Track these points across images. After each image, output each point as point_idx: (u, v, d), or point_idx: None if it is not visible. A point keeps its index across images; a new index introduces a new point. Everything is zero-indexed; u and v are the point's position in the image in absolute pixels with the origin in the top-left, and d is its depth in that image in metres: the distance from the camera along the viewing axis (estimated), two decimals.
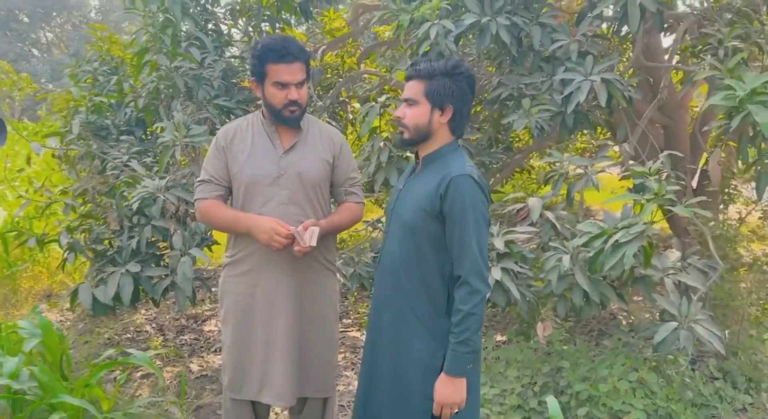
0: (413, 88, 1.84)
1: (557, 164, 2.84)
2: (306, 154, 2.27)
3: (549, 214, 2.83)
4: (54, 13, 38.92)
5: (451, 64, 1.81)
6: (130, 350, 2.68)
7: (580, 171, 2.83)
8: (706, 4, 3.57)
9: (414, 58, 3.34)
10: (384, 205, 4.49)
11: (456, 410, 1.80)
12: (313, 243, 2.09)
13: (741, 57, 2.65)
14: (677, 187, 2.41)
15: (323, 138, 2.33)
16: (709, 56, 2.92)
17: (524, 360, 2.96)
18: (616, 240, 2.35)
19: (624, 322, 3.57)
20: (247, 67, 4.75)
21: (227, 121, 3.93)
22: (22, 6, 36.68)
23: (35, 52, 39.92)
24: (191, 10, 3.56)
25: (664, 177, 2.62)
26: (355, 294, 4.76)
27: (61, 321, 4.54)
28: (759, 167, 2.49)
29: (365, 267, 3.61)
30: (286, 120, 2.21)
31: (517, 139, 5.68)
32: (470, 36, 3.37)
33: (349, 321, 4.51)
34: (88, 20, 39.96)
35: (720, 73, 2.62)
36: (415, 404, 1.85)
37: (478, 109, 4.50)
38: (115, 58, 4.68)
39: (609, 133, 4.32)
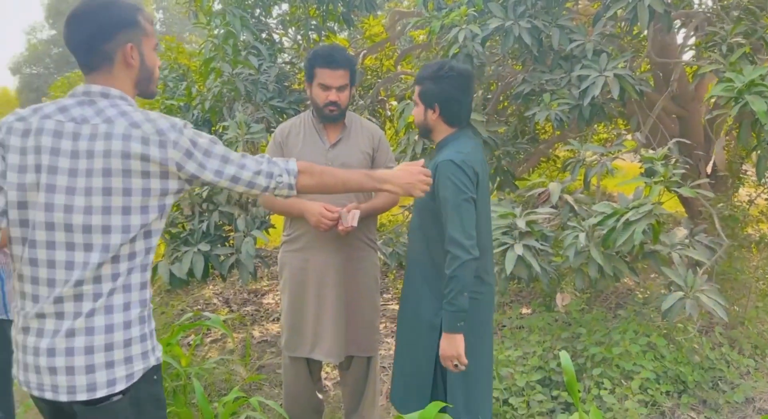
0: (415, 92, 2.02)
1: (576, 152, 2.89)
2: (349, 148, 2.40)
3: (568, 197, 2.89)
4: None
5: (434, 69, 1.96)
6: (205, 313, 2.87)
7: (596, 158, 2.88)
8: (714, 3, 3.54)
9: (444, 59, 3.44)
10: None
11: (455, 363, 1.89)
12: (354, 223, 2.23)
13: (742, 51, 2.65)
14: (682, 171, 2.45)
15: (364, 133, 2.46)
16: (715, 51, 2.92)
17: (545, 327, 3.05)
18: (627, 219, 2.41)
19: (639, 296, 3.61)
20: (297, 71, 4.93)
21: (281, 119, 4.10)
22: None
23: None
24: (248, 23, 3.72)
25: (672, 162, 2.66)
26: (394, 272, 4.89)
27: None
28: (759, 151, 2.50)
29: (402, 246, 3.73)
30: (325, 117, 2.35)
31: (542, 131, 5.70)
32: (495, 38, 3.43)
33: (389, 295, 4.65)
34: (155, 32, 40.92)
35: (723, 66, 2.63)
36: (422, 355, 2.01)
37: (505, 104, 4.56)
38: (182, 65, 4.91)
39: (628, 124, 4.32)
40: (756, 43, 2.98)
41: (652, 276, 4.18)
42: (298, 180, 1.51)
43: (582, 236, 2.60)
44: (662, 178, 2.43)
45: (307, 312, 2.40)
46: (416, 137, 3.68)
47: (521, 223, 2.64)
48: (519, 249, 2.57)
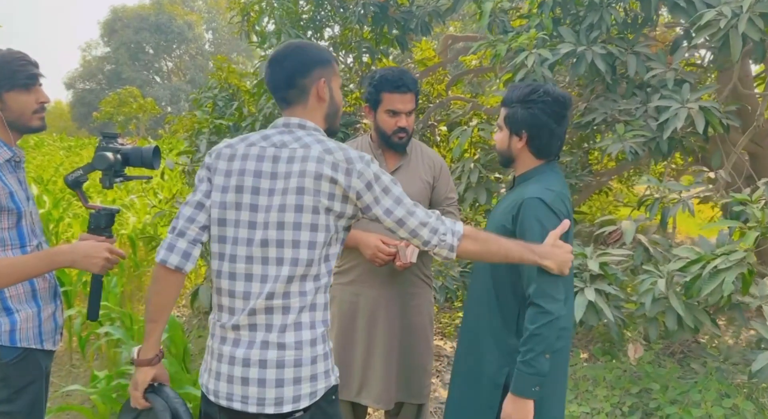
0: (500, 114, 1.81)
1: (652, 188, 2.68)
2: (409, 176, 2.26)
3: (642, 238, 2.67)
4: (174, 46, 41.64)
5: (525, 92, 1.73)
6: None
7: (674, 196, 2.66)
8: None
9: (537, 82, 3.29)
10: (472, 224, 4.42)
11: None
12: (414, 259, 2.09)
13: None
14: None
15: (425, 160, 2.32)
16: None
17: (612, 379, 2.79)
18: (715, 267, 2.18)
19: (709, 346, 3.31)
20: (347, 93, 4.86)
21: None
22: (148, 40, 39.52)
23: (158, 79, 42.87)
24: None
25: (762, 204, 2.41)
26: (436, 305, 4.69)
27: (178, 316, 4.75)
28: None
29: (452, 280, 3.56)
30: (394, 145, 2.22)
31: (596, 162, 5.48)
32: (562, 64, 3.27)
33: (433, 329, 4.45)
34: (203, 52, 42.44)
35: None
36: (481, 417, 1.77)
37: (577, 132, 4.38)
38: (232, 85, 4.91)
39: (691, 159, 4.07)
40: None
41: (719, 323, 3.86)
42: (461, 244, 1.51)
43: (661, 282, 2.37)
44: (757, 224, 2.19)
45: (356, 350, 2.24)
46: (471, 165, 3.52)
47: (593, 265, 2.43)
48: (590, 294, 2.36)
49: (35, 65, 1.70)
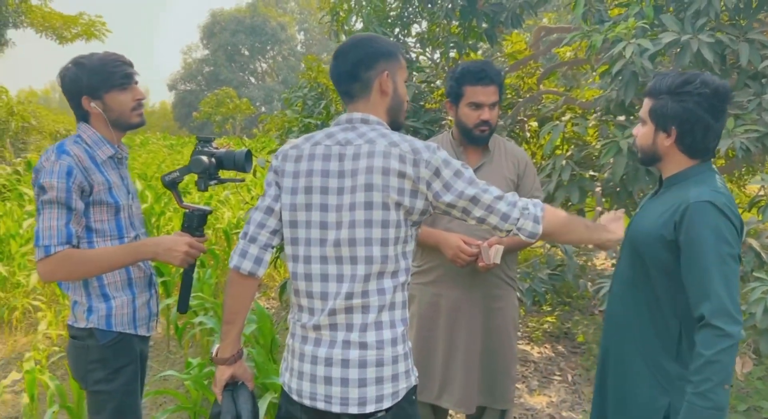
0: (645, 106, 1.63)
1: (767, 188, 2.47)
2: (492, 173, 2.23)
3: (753, 242, 2.47)
4: (268, 47, 43.48)
5: (677, 82, 1.55)
6: None
7: None
8: None
9: (605, 77, 3.15)
10: None
11: None
12: (497, 260, 2.06)
13: None
14: None
15: (509, 157, 2.28)
16: None
17: None
18: None
19: None
20: (432, 90, 4.87)
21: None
22: (244, 42, 41.54)
23: (252, 79, 44.97)
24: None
25: None
26: (523, 307, 4.59)
27: (267, 308, 4.99)
28: None
29: (540, 282, 3.47)
30: (475, 139, 2.20)
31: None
32: (664, 55, 3.08)
33: (519, 333, 4.36)
34: (295, 52, 44.00)
35: None
36: None
37: None
38: (321, 84, 5.07)
39: None
40: None
41: None
42: (545, 214, 1.47)
43: None
44: None
45: (437, 352, 2.25)
46: (563, 162, 3.41)
47: None
48: None
49: (130, 64, 1.82)
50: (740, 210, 3.90)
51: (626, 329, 1.66)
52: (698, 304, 1.46)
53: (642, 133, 1.65)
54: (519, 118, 5.06)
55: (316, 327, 1.42)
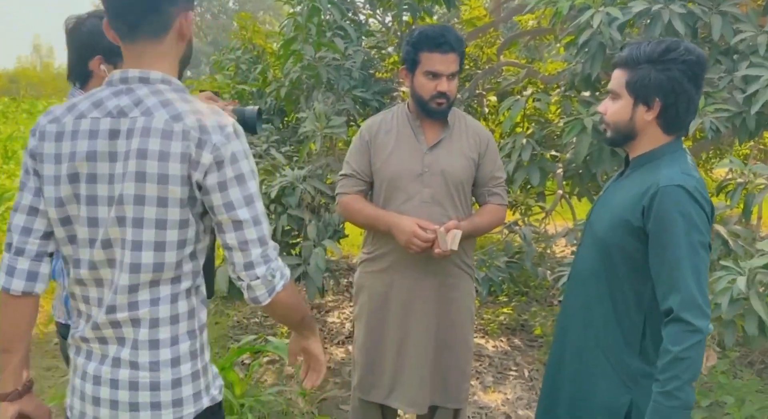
0: (616, 79, 1.62)
1: (735, 172, 2.57)
2: (451, 151, 2.23)
3: (720, 229, 2.58)
4: (195, 3, 42.03)
5: (660, 49, 1.54)
6: (268, 338, 2.79)
7: (761, 181, 2.55)
8: None
9: (570, 49, 3.19)
10: (522, 208, 4.35)
11: None
12: (455, 247, 2.06)
13: None
14: None
15: (470, 134, 2.29)
16: None
17: None
18: None
19: None
20: (383, 58, 4.82)
21: (362, 112, 4.00)
22: None
23: None
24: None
25: None
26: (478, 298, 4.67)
27: None
28: None
29: (497, 271, 3.52)
30: (432, 112, 2.19)
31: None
32: (634, 25, 3.15)
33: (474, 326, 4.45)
34: (227, 10, 42.76)
35: None
36: None
37: None
38: (257, 46, 4.93)
39: None
40: None
41: None
42: (283, 292, 1.31)
43: (741, 281, 2.28)
44: None
45: (387, 347, 2.25)
46: (524, 141, 3.45)
47: None
48: None
49: None
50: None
51: (585, 322, 1.68)
52: (666, 296, 1.49)
53: (614, 109, 1.63)
54: (477, 91, 5.10)
55: (85, 339, 1.30)
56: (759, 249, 2.34)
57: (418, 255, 2.13)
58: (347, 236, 3.57)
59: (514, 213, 4.56)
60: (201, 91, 1.77)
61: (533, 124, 3.91)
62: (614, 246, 1.61)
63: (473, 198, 2.38)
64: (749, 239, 2.59)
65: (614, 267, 1.62)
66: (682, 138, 1.66)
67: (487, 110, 5.21)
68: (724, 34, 2.80)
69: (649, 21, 2.86)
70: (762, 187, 2.53)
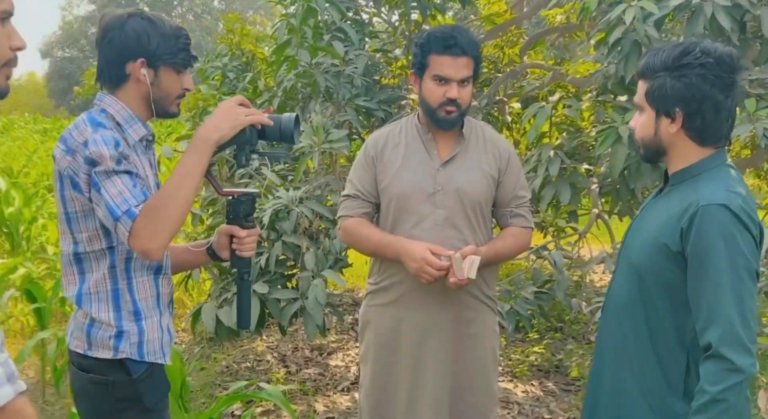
0: (639, 90, 1.70)
1: None
2: (467, 167, 2.28)
3: None
4: (175, 2, 42.75)
5: (674, 54, 1.61)
6: (262, 384, 2.83)
7: None
8: None
9: (601, 48, 3.26)
10: (552, 230, 4.40)
11: None
12: (472, 275, 2.09)
13: None
14: None
15: (488, 148, 2.34)
16: None
17: None
18: None
19: None
20: (390, 61, 4.91)
21: (366, 123, 4.08)
22: None
23: None
24: None
25: None
26: (504, 336, 4.69)
27: (176, 343, 4.92)
28: None
29: (525, 303, 3.56)
30: (441, 121, 2.25)
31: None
32: (674, 20, 3.22)
33: (500, 367, 4.45)
34: (211, 10, 43.42)
35: None
36: None
37: None
38: (246, 52, 5.04)
39: None
40: None
41: None
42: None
43: None
44: None
45: (398, 391, 2.29)
46: (551, 153, 3.51)
47: None
48: None
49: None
50: (763, 213, 4.07)
51: (622, 360, 1.72)
52: (705, 330, 1.52)
53: (641, 122, 1.71)
54: (498, 97, 5.18)
55: None
56: None
57: (432, 285, 2.17)
58: (351, 265, 3.62)
59: (545, 236, 4.60)
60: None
61: (562, 134, 3.97)
62: (651, 274, 1.65)
63: (494, 220, 2.43)
64: None
65: (652, 298, 1.66)
66: (726, 149, 1.71)
67: (509, 118, 5.28)
68: None
69: (690, 15, 2.94)
70: None
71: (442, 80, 2.20)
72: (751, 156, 4.55)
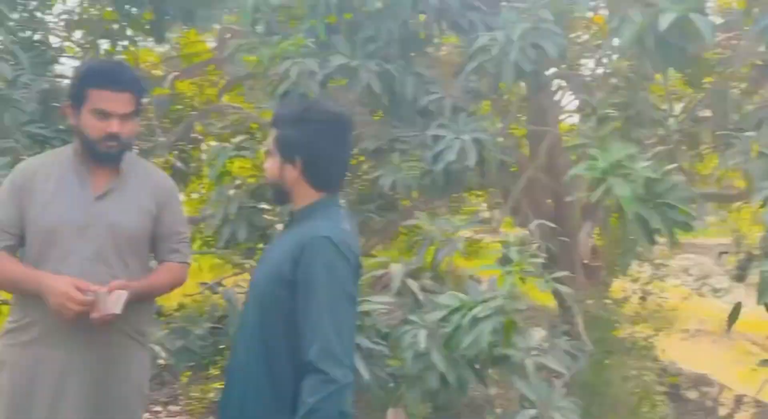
0: (270, 137, 1.91)
1: (422, 226, 3.04)
2: (123, 202, 2.27)
3: (411, 283, 2.99)
4: None
5: (297, 109, 1.88)
6: None
7: (448, 234, 3.05)
8: (595, 66, 4.04)
9: (280, 101, 3.50)
10: (229, 266, 4.51)
11: None
12: (118, 310, 2.06)
13: (613, 126, 3.03)
14: (541, 259, 2.67)
15: (147, 182, 2.35)
16: (587, 123, 3.31)
17: None
18: (474, 315, 2.55)
19: (488, 410, 3.78)
20: None
21: (39, 151, 3.83)
22: None
23: None
24: (5, 17, 3.50)
25: (533, 247, 2.89)
26: (188, 373, 4.64)
27: None
28: (624, 243, 2.82)
29: (198, 340, 3.56)
30: (101, 155, 2.22)
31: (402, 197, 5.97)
32: (336, 79, 3.58)
33: (178, 408, 4.39)
34: None
35: (592, 140, 2.98)
36: None
37: (361, 158, 4.72)
38: None
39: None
40: (634, 117, 3.41)
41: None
42: None
43: (422, 334, 2.68)
44: (517, 267, 2.62)
45: None
46: (231, 192, 3.64)
47: None
48: None
49: None
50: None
51: (247, 378, 1.86)
52: (308, 348, 1.70)
53: (270, 166, 1.92)
54: (193, 135, 5.23)
55: None
56: (440, 303, 2.76)
57: (76, 323, 2.10)
58: None
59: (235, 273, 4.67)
60: None
61: (247, 174, 4.12)
62: (271, 298, 1.83)
63: (153, 255, 2.45)
64: (440, 292, 3.04)
65: (270, 321, 1.83)
66: (338, 192, 1.99)
67: (205, 157, 5.34)
68: (417, 94, 3.34)
69: (351, 76, 3.30)
70: (448, 239, 3.02)
71: (103, 114, 2.19)
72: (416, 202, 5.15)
